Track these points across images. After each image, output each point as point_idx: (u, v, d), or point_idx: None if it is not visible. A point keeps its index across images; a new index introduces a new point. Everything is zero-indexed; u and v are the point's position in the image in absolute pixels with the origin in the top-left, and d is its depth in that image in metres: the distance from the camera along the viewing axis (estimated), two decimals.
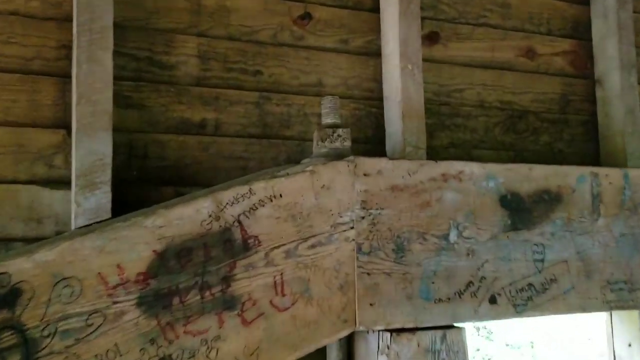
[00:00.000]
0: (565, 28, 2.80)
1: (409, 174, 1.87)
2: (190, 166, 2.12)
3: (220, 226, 1.61)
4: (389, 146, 2.37)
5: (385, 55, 2.39)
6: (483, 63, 2.62)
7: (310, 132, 2.28)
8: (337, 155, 1.88)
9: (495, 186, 1.99)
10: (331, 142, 1.91)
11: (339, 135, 1.93)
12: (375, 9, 2.43)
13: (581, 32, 2.83)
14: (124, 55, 2.06)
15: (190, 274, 1.57)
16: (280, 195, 1.68)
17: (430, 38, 2.53)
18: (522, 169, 2.07)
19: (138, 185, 2.05)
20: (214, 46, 2.19)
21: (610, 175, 2.16)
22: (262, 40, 2.26)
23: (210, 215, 1.60)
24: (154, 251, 1.55)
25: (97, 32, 1.84)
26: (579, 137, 2.80)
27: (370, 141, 2.40)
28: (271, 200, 1.66)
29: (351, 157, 1.83)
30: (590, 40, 2.84)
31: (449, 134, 2.55)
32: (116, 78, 1.99)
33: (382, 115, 2.41)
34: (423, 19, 2.43)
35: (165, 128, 2.10)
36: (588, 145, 2.81)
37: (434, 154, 2.45)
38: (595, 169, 2.17)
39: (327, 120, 1.97)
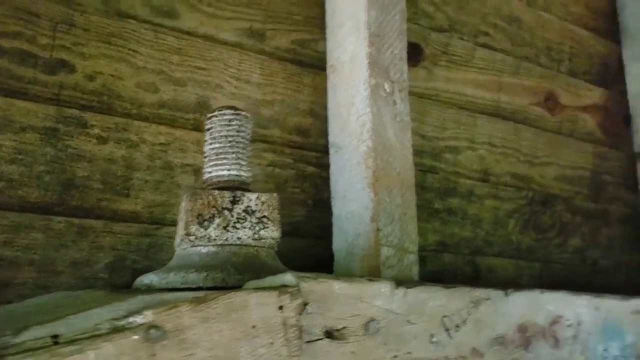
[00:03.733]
0: (592, 72, 1.81)
1: (447, 330, 0.65)
2: None
3: None
4: (339, 242, 1.16)
5: (335, 67, 1.23)
6: (487, 108, 1.53)
7: (177, 204, 1.03)
8: (246, 269, 0.64)
9: (621, 353, 0.82)
10: (226, 229, 0.67)
11: (249, 211, 0.69)
12: None
13: (611, 80, 1.86)
14: None
15: None
16: None
17: (408, 54, 1.41)
18: None
19: None
20: None
21: None
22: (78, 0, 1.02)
23: None
24: None
25: None
26: (617, 241, 1.76)
27: (299, 231, 1.19)
28: None
29: (290, 278, 0.58)
30: (623, 92, 1.87)
31: (439, 225, 1.39)
32: None
33: (325, 179, 1.22)
34: None
35: None
36: (631, 255, 1.77)
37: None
38: None
39: (221, 170, 0.74)
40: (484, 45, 1.55)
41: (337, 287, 0.58)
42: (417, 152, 1.38)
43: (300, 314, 0.54)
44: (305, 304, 0.54)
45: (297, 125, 1.23)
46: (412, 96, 1.39)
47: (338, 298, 0.57)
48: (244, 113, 0.77)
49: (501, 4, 1.61)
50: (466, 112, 1.49)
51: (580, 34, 1.80)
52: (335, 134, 1.22)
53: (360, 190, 1.14)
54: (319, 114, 1.25)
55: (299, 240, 1.19)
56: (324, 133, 1.24)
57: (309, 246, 1.20)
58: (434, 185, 1.40)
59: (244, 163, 0.74)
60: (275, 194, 0.73)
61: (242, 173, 0.73)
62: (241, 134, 0.75)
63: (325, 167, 1.22)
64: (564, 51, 1.75)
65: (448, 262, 1.37)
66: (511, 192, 1.52)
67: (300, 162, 1.21)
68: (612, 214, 1.75)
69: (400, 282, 0.64)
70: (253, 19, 1.20)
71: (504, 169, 1.53)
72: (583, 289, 1.61)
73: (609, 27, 1.89)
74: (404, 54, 1.22)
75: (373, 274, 1.08)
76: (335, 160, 1.21)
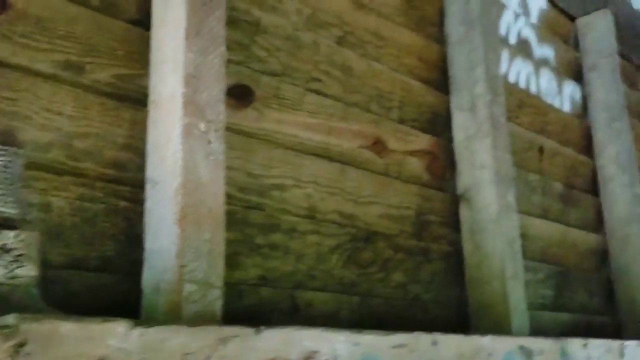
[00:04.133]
0: (421, 120, 1.96)
1: None
2: None
3: None
4: (149, 278, 1.17)
5: (157, 103, 1.25)
6: (316, 150, 1.62)
7: None
8: None
9: None
10: None
11: (5, 249, 0.70)
12: (141, 20, 1.32)
13: (439, 127, 2.02)
14: None
15: None
16: None
17: (238, 95, 1.46)
18: (422, 342, 1.01)
19: None
20: None
21: (545, 353, 1.20)
22: None
23: None
24: None
25: None
26: (439, 276, 1.89)
27: (109, 267, 1.19)
28: None
29: (10, 319, 0.59)
30: (450, 139, 2.03)
31: (261, 260, 1.43)
32: None
33: (140, 215, 1.23)
34: (228, 62, 1.36)
35: None
36: (451, 290, 1.91)
37: (232, 297, 1.31)
38: (524, 340, 1.21)
39: None
40: (315, 91, 1.64)
41: (64, 327, 0.60)
42: (242, 189, 1.43)
43: (15, 354, 0.56)
44: (22, 345, 0.56)
45: (113, 159, 1.23)
46: (241, 136, 1.45)
47: (65, 338, 0.59)
48: (12, 149, 0.77)
49: (334, 53, 1.71)
50: (294, 152, 1.56)
51: (411, 84, 1.95)
52: (152, 169, 1.24)
53: (169, 225, 1.16)
54: (139, 149, 1.26)
55: (108, 275, 1.19)
56: (143, 168, 1.26)
57: (119, 282, 1.20)
58: (257, 221, 1.44)
59: (9, 200, 0.74)
60: (36, 233, 0.73)
61: (5, 210, 0.73)
62: (8, 169, 0.75)
63: (141, 202, 1.23)
64: (394, 99, 1.88)
65: (266, 297, 1.42)
66: (335, 229, 1.60)
67: (112, 196, 1.21)
68: (434, 252, 1.89)
69: (140, 322, 0.66)
70: (70, 51, 1.20)
71: (330, 207, 1.61)
72: (402, 322, 1.71)
73: (440, 78, 2.06)
74: (222, 96, 1.26)
75: (175, 310, 1.10)
76: (152, 195, 1.23)
